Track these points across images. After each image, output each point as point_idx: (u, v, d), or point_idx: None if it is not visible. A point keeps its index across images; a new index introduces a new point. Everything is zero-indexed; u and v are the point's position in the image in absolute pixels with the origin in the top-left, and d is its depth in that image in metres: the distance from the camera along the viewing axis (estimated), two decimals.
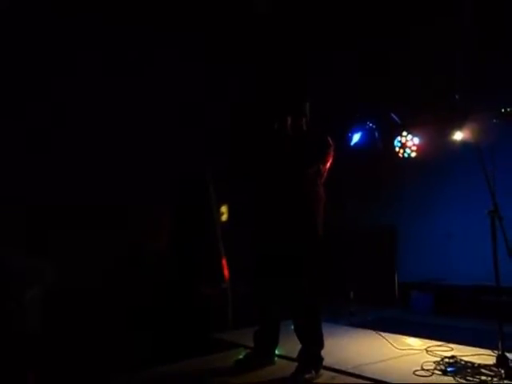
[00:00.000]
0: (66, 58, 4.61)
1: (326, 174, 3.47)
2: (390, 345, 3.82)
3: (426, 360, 3.39)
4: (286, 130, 3.41)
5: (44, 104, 4.49)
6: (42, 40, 4.43)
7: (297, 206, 3.30)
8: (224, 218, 5.36)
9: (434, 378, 3.10)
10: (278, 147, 3.41)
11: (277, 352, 3.63)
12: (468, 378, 3.04)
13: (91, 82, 4.68)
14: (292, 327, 3.40)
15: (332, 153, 3.45)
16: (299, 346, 3.35)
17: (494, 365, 3.12)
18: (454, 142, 4.95)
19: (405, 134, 5.53)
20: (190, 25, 5.23)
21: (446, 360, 3.34)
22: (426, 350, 3.69)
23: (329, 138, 3.45)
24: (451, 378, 3.07)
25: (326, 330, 3.44)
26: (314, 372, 3.19)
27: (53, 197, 4.45)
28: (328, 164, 3.46)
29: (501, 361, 3.08)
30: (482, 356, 3.40)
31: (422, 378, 3.11)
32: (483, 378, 3.03)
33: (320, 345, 3.33)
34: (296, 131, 3.44)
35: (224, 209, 5.41)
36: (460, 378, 3.05)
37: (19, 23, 4.32)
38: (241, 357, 3.54)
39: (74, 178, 4.57)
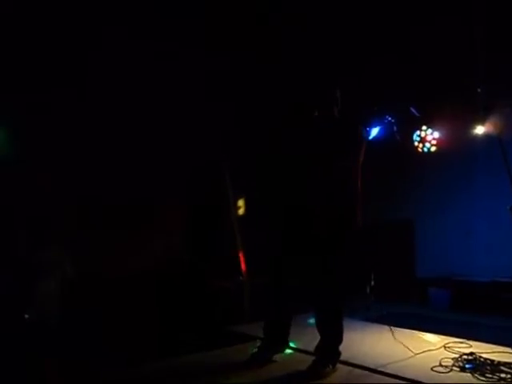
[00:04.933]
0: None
1: (359, 167, 3.33)
2: (406, 340, 3.79)
3: (445, 356, 3.36)
4: (314, 122, 3.32)
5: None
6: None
7: (328, 201, 3.22)
8: (241, 211, 5.35)
9: (452, 375, 3.07)
10: (306, 140, 3.27)
11: (293, 345, 3.63)
12: (487, 375, 3.01)
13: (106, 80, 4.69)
14: (310, 320, 3.39)
15: (364, 146, 3.34)
16: (316, 340, 3.34)
17: None
18: (476, 136, 4.86)
19: (424, 128, 5.47)
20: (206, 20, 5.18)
21: (465, 357, 3.31)
22: (444, 346, 3.65)
23: (362, 132, 3.37)
24: (469, 375, 3.04)
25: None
26: (330, 366, 3.19)
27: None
28: (361, 157, 3.33)
29: None
30: (501, 353, 3.35)
31: (440, 374, 3.09)
32: (502, 375, 2.99)
33: (339, 339, 3.32)
34: (327, 122, 3.31)
35: (241, 202, 5.40)
36: (479, 375, 3.02)
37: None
38: (255, 350, 3.53)
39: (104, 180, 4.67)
